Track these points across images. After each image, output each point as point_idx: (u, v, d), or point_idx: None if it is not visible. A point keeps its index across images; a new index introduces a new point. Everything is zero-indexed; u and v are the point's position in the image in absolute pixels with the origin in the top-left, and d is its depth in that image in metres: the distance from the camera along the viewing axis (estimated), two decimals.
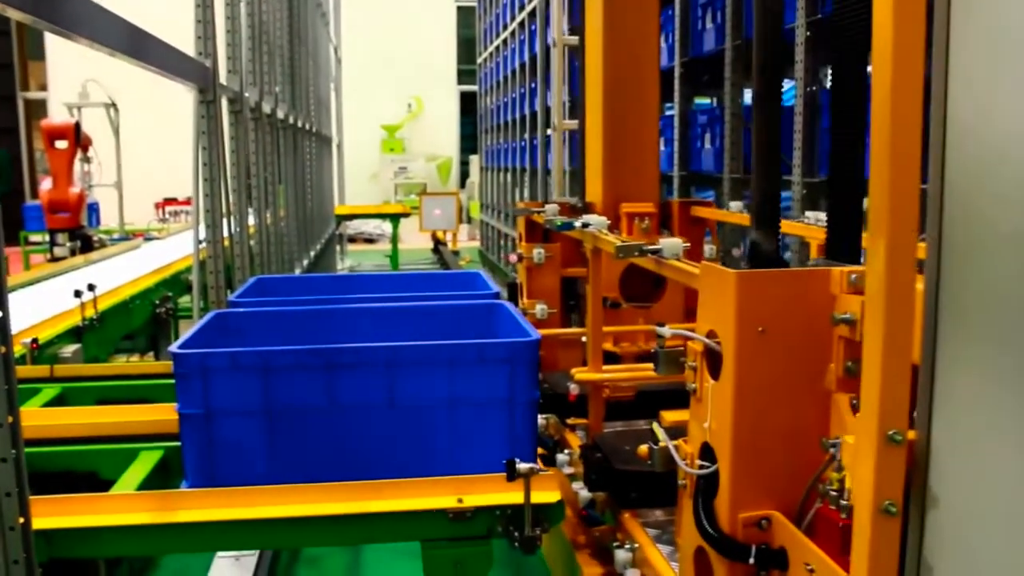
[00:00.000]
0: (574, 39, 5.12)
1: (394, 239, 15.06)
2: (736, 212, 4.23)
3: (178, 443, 2.97)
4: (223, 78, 5.08)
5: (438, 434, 2.59)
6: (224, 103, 5.15)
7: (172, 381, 3.74)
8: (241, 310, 3.14)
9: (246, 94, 5.69)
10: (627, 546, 2.72)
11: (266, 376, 2.47)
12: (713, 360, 1.97)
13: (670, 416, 3.38)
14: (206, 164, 4.62)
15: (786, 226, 4.10)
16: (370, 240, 20.67)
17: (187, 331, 2.85)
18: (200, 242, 5.17)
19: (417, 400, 2.56)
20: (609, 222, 3.23)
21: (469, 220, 20.44)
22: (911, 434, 1.28)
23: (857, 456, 1.31)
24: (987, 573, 1.16)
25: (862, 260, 1.43)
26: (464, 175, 23.20)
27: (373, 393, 2.53)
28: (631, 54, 4.41)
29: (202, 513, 2.36)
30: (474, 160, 21.01)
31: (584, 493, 3.05)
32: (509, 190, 13.30)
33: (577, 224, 3.21)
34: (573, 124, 5.09)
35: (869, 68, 1.43)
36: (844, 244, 1.99)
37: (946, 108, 1.16)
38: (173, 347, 2.51)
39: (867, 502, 1.29)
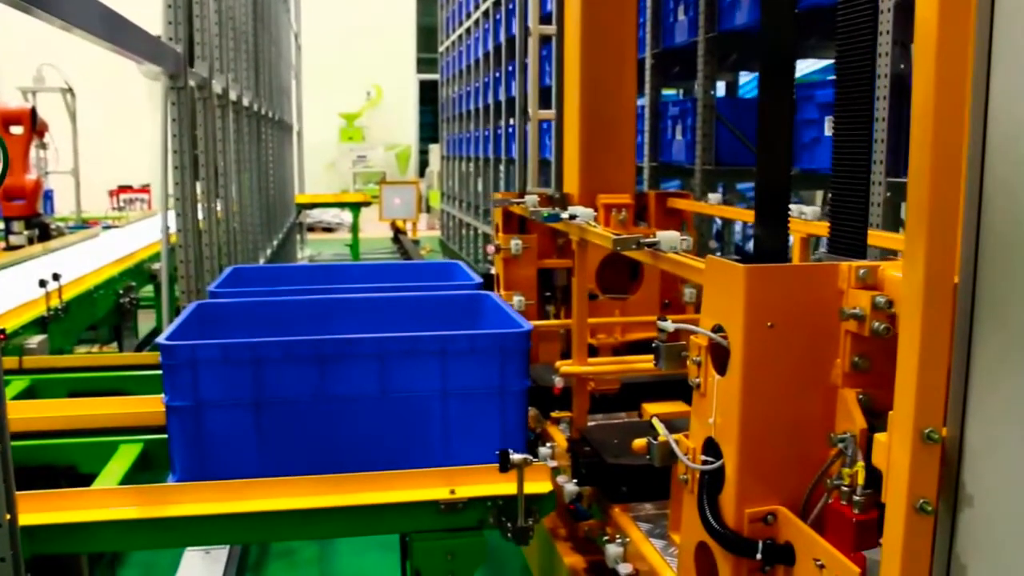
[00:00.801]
0: (547, 28, 5.09)
1: (354, 228, 14.96)
2: (714, 204, 4.24)
3: (159, 435, 2.92)
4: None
5: (429, 425, 2.57)
6: (192, 89, 5.05)
7: (145, 372, 3.73)
8: (223, 301, 3.08)
9: (214, 80, 5.59)
10: (618, 540, 2.71)
11: (257, 368, 2.42)
12: (718, 355, 1.97)
13: (652, 409, 3.38)
14: (176, 151, 4.53)
15: None
16: (329, 229, 20.50)
17: (172, 322, 2.79)
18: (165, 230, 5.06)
19: (408, 391, 2.54)
20: (596, 214, 3.22)
21: (428, 209, 20.36)
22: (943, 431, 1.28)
23: (891, 454, 1.32)
24: None
25: (903, 255, 1.40)
26: (423, 164, 23.10)
27: (364, 384, 2.50)
28: (609, 45, 4.40)
29: (192, 507, 2.31)
30: (434, 149, 20.92)
31: (570, 487, 3.03)
32: (472, 179, 13.26)
33: (564, 216, 3.19)
34: (548, 114, 5.06)
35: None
36: (848, 238, 2.00)
37: (988, 96, 1.16)
38: (161, 339, 2.46)
39: (901, 500, 1.29)
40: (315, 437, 2.50)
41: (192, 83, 4.86)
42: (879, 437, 1.39)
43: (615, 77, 4.42)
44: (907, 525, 1.29)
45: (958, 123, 1.20)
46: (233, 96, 6.48)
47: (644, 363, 3.51)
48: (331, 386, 2.47)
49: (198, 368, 2.39)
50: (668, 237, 2.39)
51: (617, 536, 2.76)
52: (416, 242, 15.76)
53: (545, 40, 6.78)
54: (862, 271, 1.81)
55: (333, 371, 2.47)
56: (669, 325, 2.10)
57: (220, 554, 4.27)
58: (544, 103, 6.54)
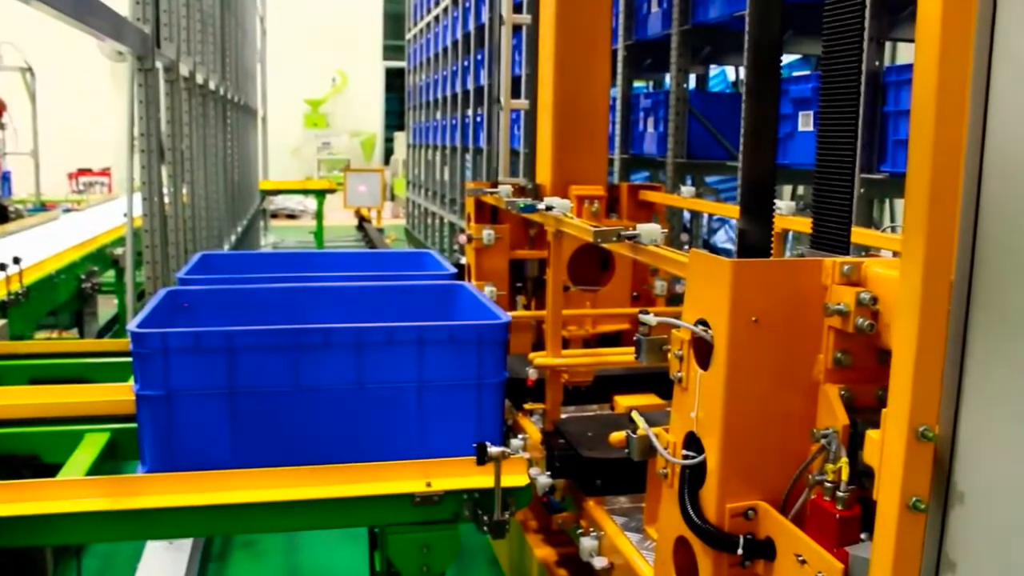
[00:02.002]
0: (520, 17, 5.06)
1: (319, 215, 14.82)
2: (688, 197, 4.24)
3: (126, 424, 2.86)
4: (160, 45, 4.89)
5: (406, 417, 2.54)
6: (160, 71, 4.96)
7: (110, 360, 3.65)
8: (193, 288, 3.02)
9: (181, 63, 5.49)
10: (593, 533, 2.70)
11: (230, 357, 2.37)
12: (700, 349, 1.96)
13: (624, 401, 3.38)
14: (143, 134, 4.44)
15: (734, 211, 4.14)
16: (292, 216, 20.32)
17: (134, 308, 2.74)
18: (126, 214, 4.98)
19: (385, 382, 2.50)
20: (573, 205, 3.20)
21: (393, 198, 20.24)
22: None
23: (884, 452, 1.31)
24: (1018, 571, 1.17)
25: (901, 253, 1.39)
26: (388, 152, 22.97)
27: (341, 374, 2.47)
28: (584, 36, 4.38)
29: (163, 499, 2.26)
30: (399, 137, 20.80)
31: (543, 479, 3.01)
32: (438, 168, 13.20)
33: (540, 207, 3.17)
34: (521, 104, 5.04)
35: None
36: (832, 234, 2.00)
37: (988, 87, 1.15)
38: (131, 326, 2.40)
39: (894, 498, 1.29)
40: (290, 428, 2.45)
41: (159, 65, 4.77)
42: (871, 434, 1.39)
43: (589, 68, 4.41)
44: (900, 523, 1.29)
45: (958, 120, 1.20)
46: (200, 79, 6.37)
47: (618, 355, 3.52)
48: (307, 376, 2.43)
49: (170, 356, 2.34)
50: (648, 230, 2.38)
51: (591, 529, 2.75)
52: (381, 230, 15.68)
53: (516, 29, 6.75)
54: (846, 267, 1.82)
55: (309, 361, 2.43)
56: (652, 319, 2.09)
57: (184, 544, 4.22)
58: (514, 93, 6.51)
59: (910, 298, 1.25)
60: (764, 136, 2.00)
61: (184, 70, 5.64)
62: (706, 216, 7.89)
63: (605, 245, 2.47)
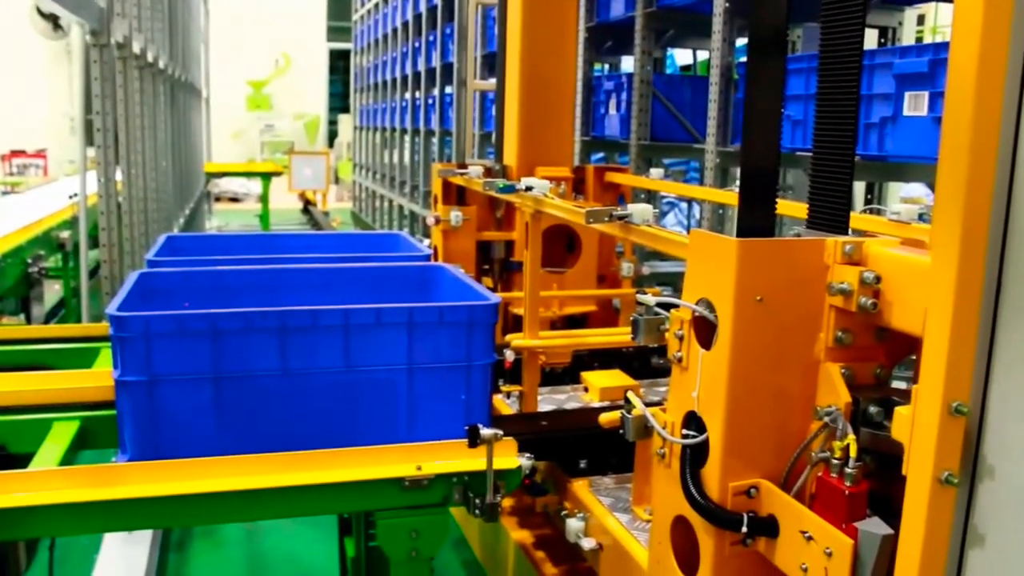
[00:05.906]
0: None
1: (264, 198, 14.62)
2: (655, 179, 4.24)
3: (97, 412, 2.77)
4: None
5: (395, 400, 2.49)
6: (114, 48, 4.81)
7: (70, 345, 3.53)
8: (166, 270, 2.94)
9: (134, 40, 5.33)
10: (579, 515, 2.69)
11: (215, 340, 2.30)
12: (701, 329, 1.95)
13: (591, 378, 3.37)
14: (98, 113, 4.31)
15: (713, 194, 4.16)
16: (235, 199, 20.00)
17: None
18: (73, 196, 4.85)
19: (374, 364, 2.46)
20: (552, 186, 3.17)
21: (338, 180, 20.04)
22: None
23: (915, 427, 1.32)
24: None
25: (933, 233, 1.39)
26: (332, 135, 22.72)
27: (329, 358, 2.41)
28: (551, 16, 4.36)
29: (147, 488, 2.19)
30: (343, 119, 20.58)
31: (524, 461, 2.99)
32: (387, 151, 13.09)
33: (520, 187, 3.14)
34: (485, 84, 5.00)
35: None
36: (830, 214, 2.01)
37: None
38: (110, 309, 2.32)
39: (926, 473, 1.30)
40: (277, 413, 2.39)
41: (114, 41, 4.63)
42: (901, 410, 1.40)
43: (556, 49, 4.40)
44: (931, 497, 1.30)
45: (994, 104, 1.20)
46: (150, 57, 6.20)
47: (595, 336, 3.52)
48: (294, 359, 2.37)
49: (152, 341, 2.26)
50: (640, 210, 2.37)
51: (576, 510, 2.74)
52: (326, 213, 15.55)
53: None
54: (848, 247, 1.83)
55: (296, 343, 2.37)
56: (649, 299, 2.08)
57: (143, 535, 4.13)
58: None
59: (945, 276, 1.26)
60: (767, 117, 1.99)
61: (136, 47, 5.48)
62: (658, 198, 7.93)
63: (596, 226, 2.45)
